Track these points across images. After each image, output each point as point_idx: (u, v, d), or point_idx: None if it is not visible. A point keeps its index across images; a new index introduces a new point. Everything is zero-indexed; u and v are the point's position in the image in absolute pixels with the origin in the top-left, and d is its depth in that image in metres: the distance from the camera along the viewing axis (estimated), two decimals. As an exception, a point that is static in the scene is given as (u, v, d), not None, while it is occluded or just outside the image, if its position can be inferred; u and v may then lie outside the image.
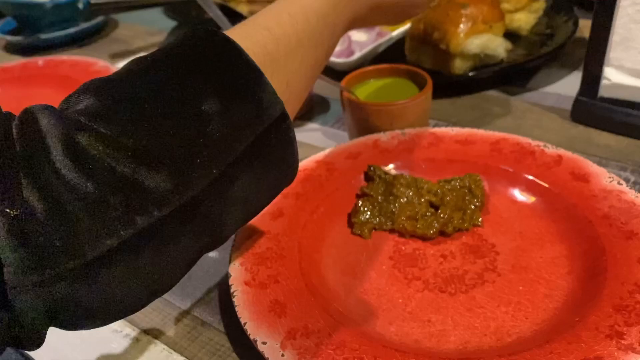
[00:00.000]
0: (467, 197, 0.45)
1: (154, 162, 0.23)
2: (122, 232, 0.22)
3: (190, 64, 0.26)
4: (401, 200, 0.46)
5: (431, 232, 0.44)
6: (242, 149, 0.26)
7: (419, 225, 0.44)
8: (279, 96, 0.28)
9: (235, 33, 0.30)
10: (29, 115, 0.23)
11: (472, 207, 0.45)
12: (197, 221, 0.25)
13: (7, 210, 0.20)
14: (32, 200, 0.21)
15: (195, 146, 0.24)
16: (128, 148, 0.23)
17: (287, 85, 0.31)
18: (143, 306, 0.27)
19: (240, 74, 0.27)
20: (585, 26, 0.71)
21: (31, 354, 0.40)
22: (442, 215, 0.44)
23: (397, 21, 0.47)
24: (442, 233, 0.44)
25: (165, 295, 0.43)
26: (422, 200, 0.46)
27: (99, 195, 0.22)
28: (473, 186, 0.46)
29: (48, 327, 0.24)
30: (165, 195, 0.23)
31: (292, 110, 0.32)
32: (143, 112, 0.24)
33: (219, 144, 0.25)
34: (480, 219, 0.45)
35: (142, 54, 0.28)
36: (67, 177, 0.21)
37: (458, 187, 0.46)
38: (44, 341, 0.25)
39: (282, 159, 0.30)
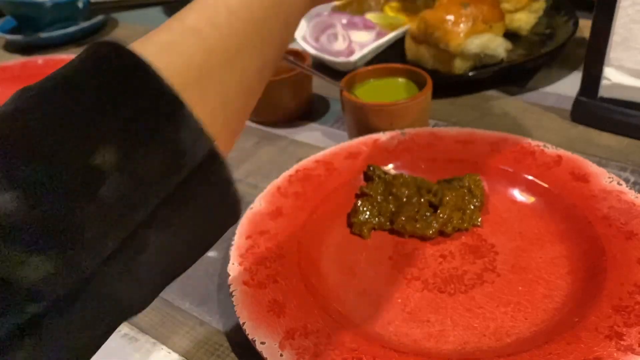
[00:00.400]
0: (466, 197, 0.45)
1: (30, 243, 0.18)
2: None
3: (83, 98, 0.20)
4: (400, 200, 0.46)
5: (430, 232, 0.44)
6: (152, 208, 0.20)
7: (418, 225, 0.44)
8: (209, 127, 0.22)
9: (154, 42, 0.23)
10: None
11: (472, 207, 0.45)
12: (88, 309, 0.20)
13: None
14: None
15: (83, 216, 0.18)
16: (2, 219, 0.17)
17: (223, 105, 0.25)
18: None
19: (151, 109, 0.20)
20: (585, 26, 0.71)
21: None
22: (441, 215, 0.44)
23: None
24: (442, 233, 0.44)
25: (164, 295, 0.43)
26: (422, 200, 0.46)
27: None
28: (473, 186, 0.46)
29: None
30: (45, 283, 0.18)
31: (231, 134, 0.26)
32: (15, 174, 0.18)
33: (116, 208, 0.19)
34: (479, 219, 0.45)
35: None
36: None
37: (458, 187, 0.46)
38: None
39: (215, 207, 0.24)
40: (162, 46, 0.23)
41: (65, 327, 0.20)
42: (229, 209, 0.25)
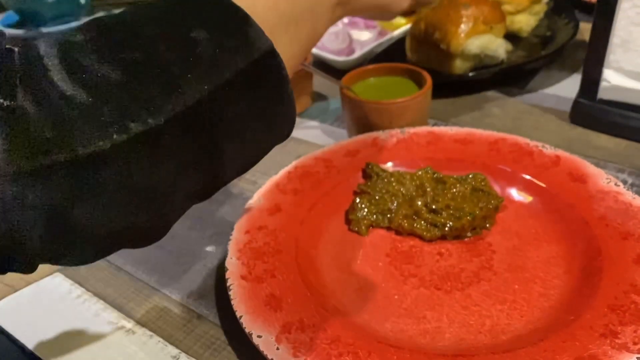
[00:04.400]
0: (480, 201, 0.44)
1: (147, 74, 0.24)
2: (115, 136, 0.22)
3: (178, 3, 0.27)
4: (399, 198, 0.46)
5: (428, 235, 0.44)
6: (233, 74, 0.27)
7: (416, 225, 0.44)
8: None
9: None
10: (28, 43, 0.24)
11: (484, 209, 0.44)
12: (193, 137, 0.25)
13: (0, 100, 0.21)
14: (26, 103, 0.21)
15: (185, 62, 0.25)
16: (122, 60, 0.24)
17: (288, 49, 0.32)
18: (133, 242, 0.26)
19: (226, 12, 0.28)
20: (585, 29, 0.71)
21: (23, 341, 0.40)
22: (446, 222, 0.44)
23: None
24: (443, 237, 0.44)
25: (162, 288, 0.43)
26: (419, 203, 0.45)
27: (92, 102, 0.22)
28: (481, 186, 0.45)
29: (39, 247, 0.23)
30: (158, 104, 0.24)
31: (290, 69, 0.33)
32: (136, 33, 0.25)
33: (208, 64, 0.26)
34: (490, 222, 0.44)
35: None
36: (61, 87, 0.22)
37: (466, 190, 0.46)
38: (36, 266, 0.24)
39: (277, 96, 0.29)
40: None
41: (177, 150, 0.25)
42: (285, 109, 0.30)
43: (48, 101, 0.22)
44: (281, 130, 0.31)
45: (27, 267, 0.24)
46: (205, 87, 0.25)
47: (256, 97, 0.28)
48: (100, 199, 0.23)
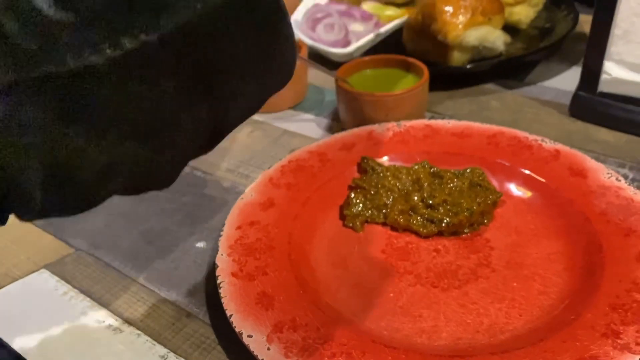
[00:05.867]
0: (478, 196, 0.43)
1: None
2: (108, 51, 0.22)
3: None
4: (395, 193, 0.45)
5: (425, 231, 0.43)
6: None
7: (413, 221, 0.43)
8: None
9: None
10: None
11: (482, 204, 0.43)
12: (191, 61, 0.24)
13: None
14: (5, 19, 0.20)
15: None
16: None
17: None
18: (134, 181, 0.26)
19: None
20: (585, 21, 0.70)
21: (7, 339, 0.38)
22: (442, 217, 0.43)
23: None
24: (440, 233, 0.43)
25: (150, 285, 0.42)
26: (416, 198, 0.44)
27: (79, 21, 0.21)
28: (478, 180, 0.44)
29: (34, 179, 0.22)
30: (151, 21, 0.23)
31: None
32: None
33: None
34: (488, 218, 0.43)
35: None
36: (44, 8, 0.21)
37: (463, 184, 0.44)
38: (38, 211, 0.23)
39: (273, 28, 0.28)
40: None
41: (175, 72, 0.24)
42: (285, 44, 0.29)
43: (30, 18, 0.21)
44: (281, 68, 0.30)
45: (22, 206, 0.23)
46: (198, 5, 0.24)
47: (252, 26, 0.27)
48: (97, 120, 0.22)
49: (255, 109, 0.30)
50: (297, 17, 0.76)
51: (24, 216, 0.23)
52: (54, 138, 0.22)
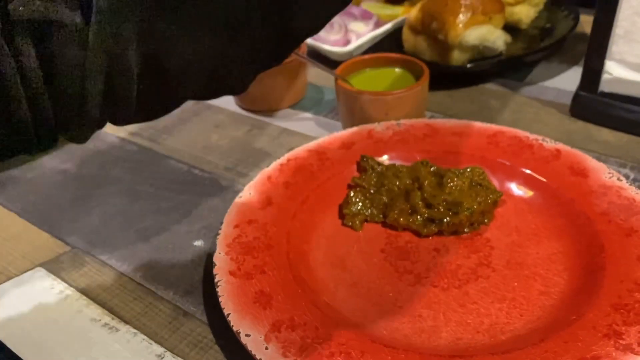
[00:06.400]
0: (479, 196, 0.43)
1: None
2: None
3: None
4: (394, 192, 0.45)
5: (425, 230, 0.42)
6: None
7: (412, 220, 0.43)
8: None
9: None
10: None
11: (483, 204, 0.42)
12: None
13: None
14: None
15: None
16: None
17: None
18: (215, 82, 0.28)
19: None
20: (586, 21, 0.70)
21: (1, 338, 0.38)
22: (443, 217, 0.42)
23: None
24: (440, 232, 0.43)
25: (147, 284, 0.42)
26: (415, 197, 0.44)
27: None
28: (479, 179, 0.44)
29: (133, 74, 0.24)
30: None
31: None
32: None
33: None
34: (489, 217, 0.43)
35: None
36: None
37: (464, 184, 0.44)
38: (56, 140, 0.24)
39: None
40: None
41: None
42: None
43: None
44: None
45: (120, 101, 0.25)
46: None
47: None
48: (183, 16, 0.24)
49: (319, 27, 0.30)
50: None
51: (119, 119, 0.26)
52: (150, 28, 0.23)
